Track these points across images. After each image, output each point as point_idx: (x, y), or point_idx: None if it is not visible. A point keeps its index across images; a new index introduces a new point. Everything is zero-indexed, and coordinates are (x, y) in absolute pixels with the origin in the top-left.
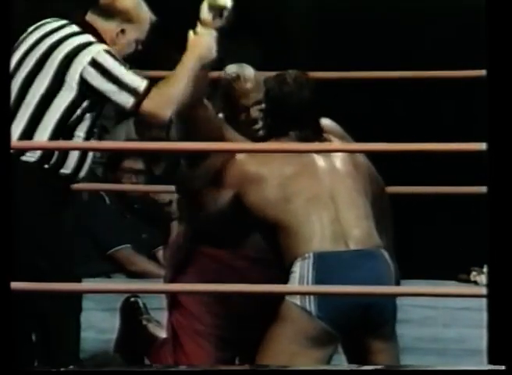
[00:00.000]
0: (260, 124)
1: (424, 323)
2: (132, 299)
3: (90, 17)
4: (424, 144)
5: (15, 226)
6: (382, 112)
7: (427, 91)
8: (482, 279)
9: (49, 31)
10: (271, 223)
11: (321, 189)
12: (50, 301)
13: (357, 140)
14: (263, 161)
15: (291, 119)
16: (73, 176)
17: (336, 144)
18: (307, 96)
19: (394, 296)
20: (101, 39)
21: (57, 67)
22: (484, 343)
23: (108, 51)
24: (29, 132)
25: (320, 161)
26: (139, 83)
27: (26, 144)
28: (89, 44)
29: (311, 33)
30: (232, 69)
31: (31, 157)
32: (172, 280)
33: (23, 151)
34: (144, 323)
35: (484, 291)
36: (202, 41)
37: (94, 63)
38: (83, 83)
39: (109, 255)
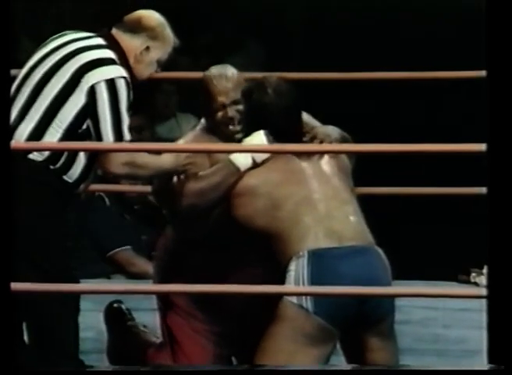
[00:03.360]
0: (237, 126)
1: (425, 324)
2: (115, 305)
3: (116, 33)
4: (425, 144)
5: (15, 227)
6: (382, 113)
7: (427, 91)
8: (482, 280)
9: (74, 39)
10: (262, 232)
11: (309, 191)
12: (48, 301)
13: (358, 141)
14: (250, 172)
15: (270, 127)
16: (74, 187)
17: (335, 144)
18: (286, 105)
19: (394, 297)
20: (123, 56)
21: (73, 73)
22: (484, 344)
23: (126, 81)
24: (38, 133)
25: (306, 165)
26: (126, 134)
27: (26, 145)
28: (112, 62)
29: (311, 33)
30: (213, 69)
31: (38, 156)
32: (160, 281)
33: (27, 151)
34: (132, 329)
35: (484, 292)
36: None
37: (111, 84)
38: (91, 94)
39: (109, 257)
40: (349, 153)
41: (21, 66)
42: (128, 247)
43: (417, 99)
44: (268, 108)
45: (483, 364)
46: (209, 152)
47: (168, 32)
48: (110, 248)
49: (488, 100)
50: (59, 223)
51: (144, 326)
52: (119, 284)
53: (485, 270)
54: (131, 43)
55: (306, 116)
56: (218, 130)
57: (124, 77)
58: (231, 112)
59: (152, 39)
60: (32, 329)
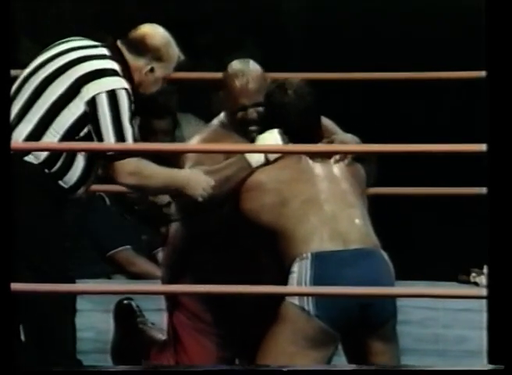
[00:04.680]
0: (256, 127)
1: (425, 324)
2: (125, 302)
3: (121, 47)
4: (425, 145)
5: (15, 227)
6: (382, 114)
7: (427, 91)
8: (482, 280)
9: (79, 46)
10: (268, 228)
11: (317, 191)
12: (47, 302)
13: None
14: (261, 168)
15: (287, 127)
16: (71, 192)
17: (336, 145)
18: (307, 107)
19: (394, 297)
20: (128, 71)
21: (74, 81)
22: (484, 344)
23: (128, 93)
24: (36, 136)
25: (317, 166)
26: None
27: (25, 145)
28: (114, 73)
29: (311, 33)
30: (237, 65)
31: (34, 160)
32: (169, 281)
33: (27, 151)
34: (140, 326)
35: (484, 292)
36: (200, 181)
37: (112, 95)
38: (92, 105)
39: (109, 257)
40: (367, 168)
41: (21, 66)
42: (128, 247)
43: (417, 99)
44: (287, 108)
45: (483, 364)
46: (211, 152)
47: (174, 49)
48: (110, 248)
49: (488, 100)
50: (57, 224)
51: (153, 324)
52: (119, 284)
53: (485, 270)
54: (135, 63)
55: (329, 123)
56: (236, 127)
57: (125, 89)
58: (251, 114)
59: (157, 60)
60: (31, 329)
